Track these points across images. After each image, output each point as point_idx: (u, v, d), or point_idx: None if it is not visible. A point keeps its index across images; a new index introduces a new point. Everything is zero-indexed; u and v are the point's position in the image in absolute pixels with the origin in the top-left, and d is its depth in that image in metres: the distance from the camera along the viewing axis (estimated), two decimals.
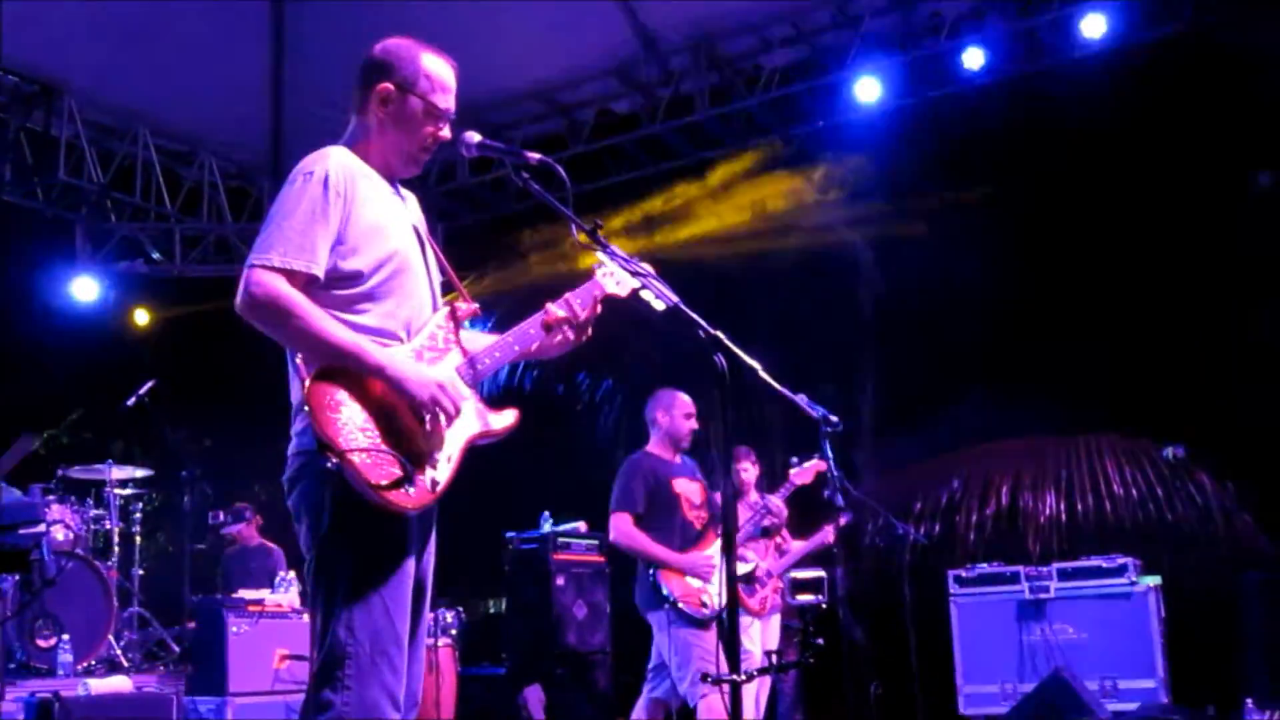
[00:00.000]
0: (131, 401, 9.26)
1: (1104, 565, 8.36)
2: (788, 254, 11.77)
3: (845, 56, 9.89)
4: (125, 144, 10.83)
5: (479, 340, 3.49)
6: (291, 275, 3.10)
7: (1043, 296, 10.54)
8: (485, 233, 12.42)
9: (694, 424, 6.50)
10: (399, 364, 3.17)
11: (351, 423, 3.06)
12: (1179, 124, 9.84)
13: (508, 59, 9.97)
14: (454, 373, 3.31)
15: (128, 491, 9.32)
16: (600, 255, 3.54)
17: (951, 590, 8.76)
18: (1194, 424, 9.41)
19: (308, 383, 3.07)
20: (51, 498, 8.34)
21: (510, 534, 8.96)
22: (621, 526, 6.25)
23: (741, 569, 6.51)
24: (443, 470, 3.20)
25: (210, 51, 9.88)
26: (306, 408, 3.05)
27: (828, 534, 7.97)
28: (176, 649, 8.78)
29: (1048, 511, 10.42)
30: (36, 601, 7.51)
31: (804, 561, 7.84)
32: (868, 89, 9.85)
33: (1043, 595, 8.43)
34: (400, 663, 3.14)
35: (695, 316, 3.33)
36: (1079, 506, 10.30)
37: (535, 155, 3.44)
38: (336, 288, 3.20)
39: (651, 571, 6.11)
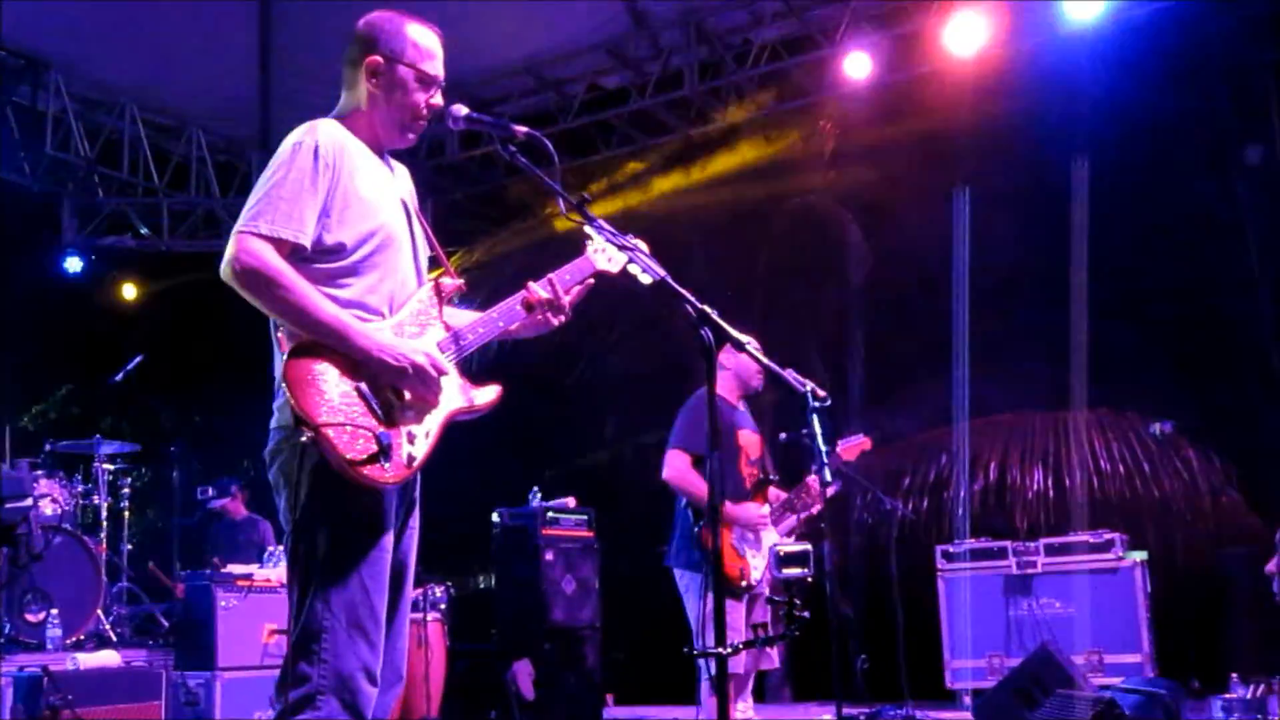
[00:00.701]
0: (120, 377, 9.25)
1: (1091, 540, 8.39)
2: (774, 226, 11.77)
3: (835, 31, 9.88)
4: (113, 118, 10.78)
5: (464, 315, 3.47)
6: (278, 244, 3.10)
7: (1031, 271, 10.54)
8: (475, 207, 12.40)
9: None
10: (379, 338, 3.16)
11: (328, 397, 3.05)
12: (1168, 99, 9.84)
13: (498, 34, 9.93)
14: (435, 347, 3.29)
15: (116, 466, 9.31)
16: (589, 230, 3.51)
17: (939, 565, 8.78)
18: (1181, 400, 9.43)
19: (285, 358, 3.07)
20: (40, 472, 8.34)
21: (499, 509, 8.97)
22: (677, 464, 5.82)
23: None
24: (420, 445, 3.19)
25: (198, 25, 9.80)
26: (283, 383, 3.05)
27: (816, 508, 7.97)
28: (165, 624, 8.79)
29: (1035, 487, 10.46)
30: (25, 576, 7.52)
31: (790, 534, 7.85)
32: (857, 64, 9.83)
33: (1030, 570, 8.46)
34: (377, 637, 3.13)
35: (683, 291, 3.30)
36: (1066, 482, 10.33)
37: (522, 129, 3.42)
38: (319, 260, 3.19)
39: (698, 526, 5.72)
